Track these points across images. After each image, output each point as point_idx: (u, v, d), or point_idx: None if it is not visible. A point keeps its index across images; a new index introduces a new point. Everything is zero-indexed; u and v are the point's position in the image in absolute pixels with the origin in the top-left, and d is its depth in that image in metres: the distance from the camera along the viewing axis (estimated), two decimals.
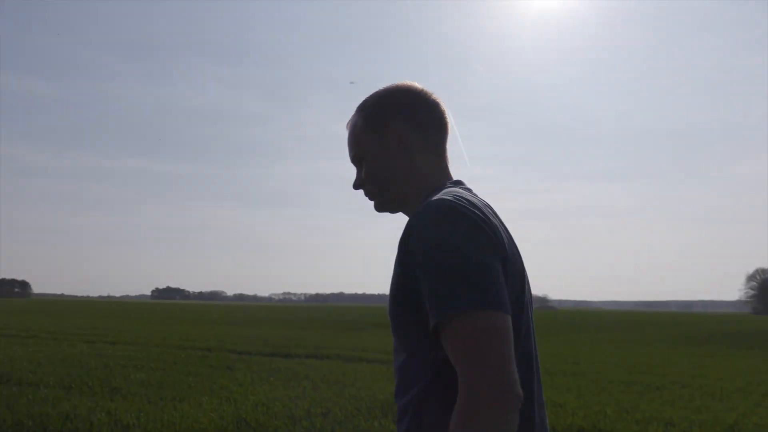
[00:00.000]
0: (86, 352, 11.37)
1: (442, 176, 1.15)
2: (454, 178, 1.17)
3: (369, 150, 1.15)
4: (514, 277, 0.97)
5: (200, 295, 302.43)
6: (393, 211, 1.19)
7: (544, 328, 28.66)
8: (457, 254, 0.90)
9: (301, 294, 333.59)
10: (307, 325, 25.79)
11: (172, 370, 8.95)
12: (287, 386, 7.50)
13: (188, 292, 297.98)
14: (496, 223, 1.00)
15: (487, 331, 0.85)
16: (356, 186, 1.19)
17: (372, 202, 1.18)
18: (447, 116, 1.19)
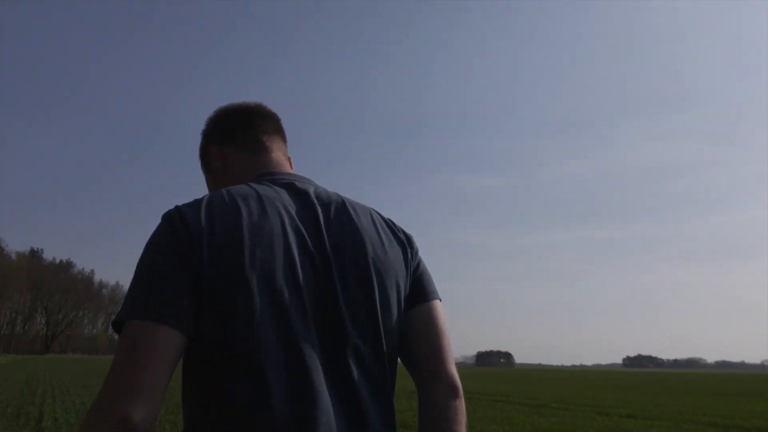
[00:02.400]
0: (611, 426, 9.99)
1: (257, 170, 1.09)
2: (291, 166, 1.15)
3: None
4: (232, 281, 0.82)
5: (675, 363, 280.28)
6: None
7: None
8: (139, 263, 0.84)
9: None
10: None
11: None
12: None
13: (662, 359, 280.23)
14: (249, 219, 0.88)
15: (122, 344, 0.76)
16: None
17: None
18: (258, 110, 1.16)
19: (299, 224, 0.94)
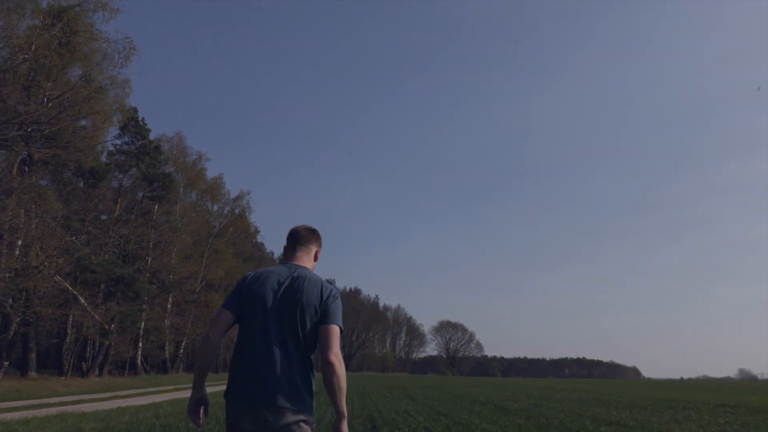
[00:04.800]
0: None
1: (287, 261, 2.91)
2: (294, 262, 2.90)
3: None
4: (255, 300, 2.65)
5: None
6: None
7: None
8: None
9: None
10: None
11: None
12: None
13: None
14: (264, 279, 2.71)
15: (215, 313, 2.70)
16: None
17: None
18: (295, 233, 2.99)
19: (279, 282, 2.69)
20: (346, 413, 2.55)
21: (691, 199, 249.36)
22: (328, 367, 2.50)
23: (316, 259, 2.98)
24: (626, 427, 10.85)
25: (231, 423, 2.53)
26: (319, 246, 3.01)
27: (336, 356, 2.50)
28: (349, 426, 10.00)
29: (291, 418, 2.46)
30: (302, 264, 2.84)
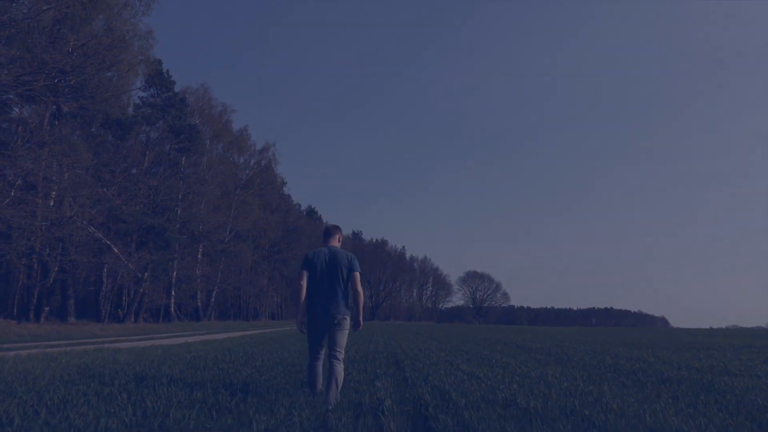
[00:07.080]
0: None
1: (326, 245, 5.77)
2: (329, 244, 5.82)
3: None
4: (315, 266, 5.48)
5: None
6: None
7: None
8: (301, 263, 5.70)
9: None
10: None
11: None
12: None
13: None
14: (318, 254, 5.56)
15: (300, 273, 5.56)
16: None
17: None
18: (327, 229, 5.94)
19: (325, 255, 5.57)
20: (362, 314, 5.61)
21: (721, 148, 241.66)
22: (356, 294, 5.50)
23: (340, 241, 5.79)
24: (646, 362, 10.95)
25: (312, 322, 5.40)
26: (341, 233, 5.89)
27: (360, 287, 5.51)
28: (373, 360, 10.33)
29: (341, 317, 5.37)
30: (334, 245, 5.68)
